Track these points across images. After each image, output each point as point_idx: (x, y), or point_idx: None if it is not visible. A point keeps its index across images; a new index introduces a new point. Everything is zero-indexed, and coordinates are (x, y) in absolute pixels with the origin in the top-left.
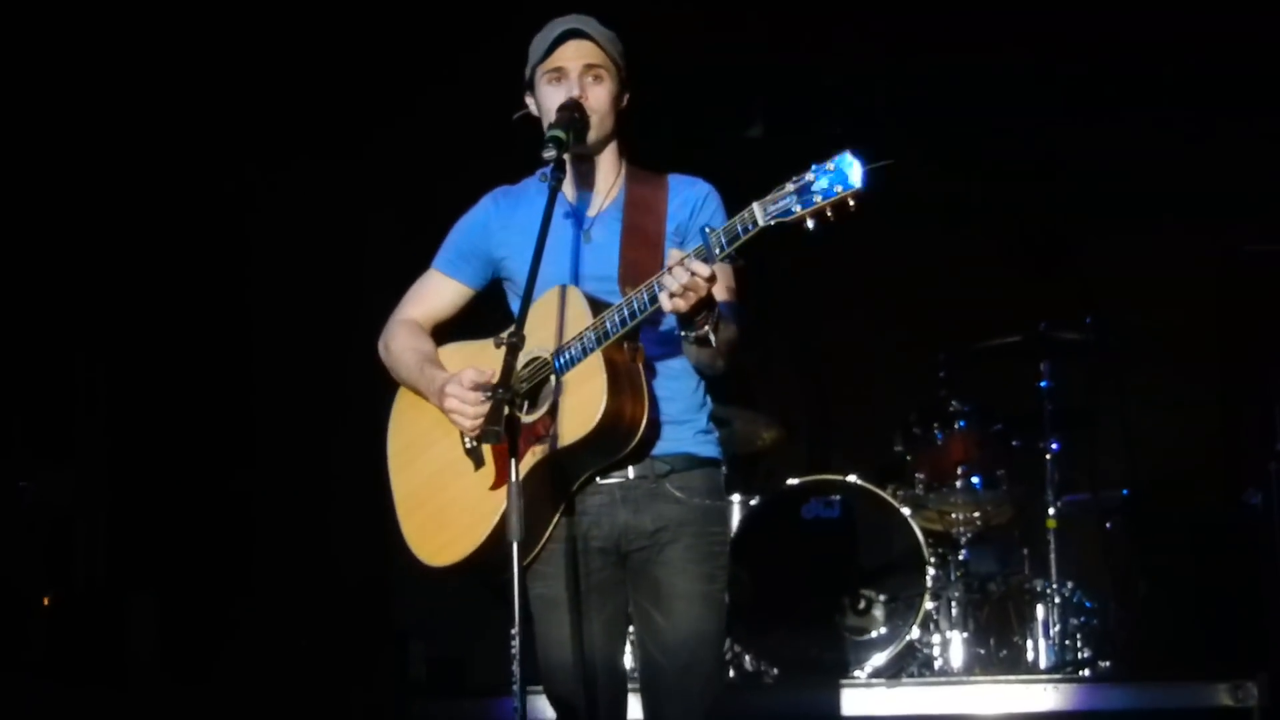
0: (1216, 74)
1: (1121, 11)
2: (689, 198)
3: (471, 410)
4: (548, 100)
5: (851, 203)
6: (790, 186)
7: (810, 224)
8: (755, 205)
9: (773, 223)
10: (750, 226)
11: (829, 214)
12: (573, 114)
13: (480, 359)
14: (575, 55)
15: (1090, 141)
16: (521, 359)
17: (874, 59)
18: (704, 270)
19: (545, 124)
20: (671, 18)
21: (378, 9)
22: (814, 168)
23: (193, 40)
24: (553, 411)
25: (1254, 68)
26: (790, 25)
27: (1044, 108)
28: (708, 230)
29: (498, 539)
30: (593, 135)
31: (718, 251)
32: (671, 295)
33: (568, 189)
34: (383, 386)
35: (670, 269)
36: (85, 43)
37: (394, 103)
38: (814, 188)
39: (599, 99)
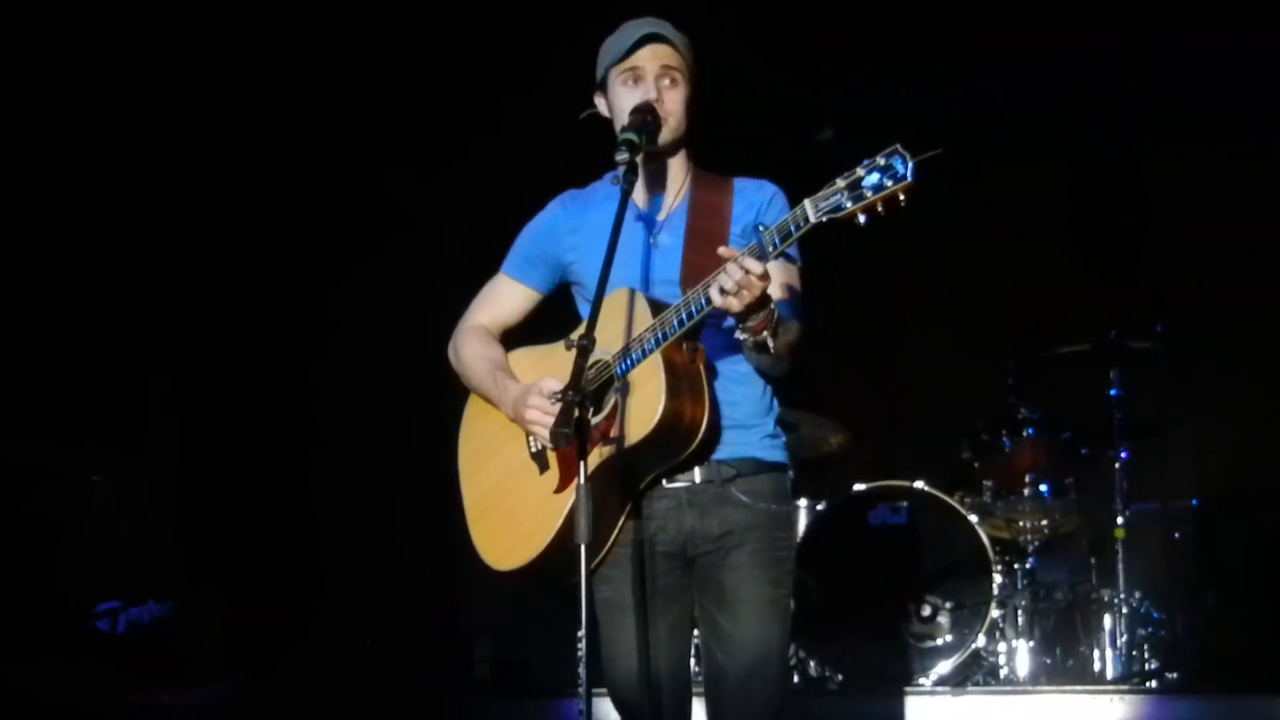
0: None
1: (1198, 29)
2: (754, 200)
3: (554, 420)
4: (622, 101)
5: (902, 197)
6: (841, 183)
7: (862, 219)
8: (806, 202)
9: (825, 219)
10: (802, 223)
11: (880, 209)
12: (645, 117)
13: (549, 362)
14: (653, 57)
15: (1165, 152)
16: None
17: (946, 65)
18: (757, 268)
19: (617, 125)
20: (744, 22)
21: (448, 22)
22: (864, 163)
23: (262, 59)
24: (612, 413)
25: None
26: (862, 31)
27: (1119, 118)
28: (761, 228)
29: (562, 542)
30: (665, 139)
31: (771, 249)
32: (724, 293)
33: (637, 193)
34: (451, 389)
35: (724, 267)
36: (163, 70)
37: (470, 112)
38: (865, 183)
39: (674, 102)
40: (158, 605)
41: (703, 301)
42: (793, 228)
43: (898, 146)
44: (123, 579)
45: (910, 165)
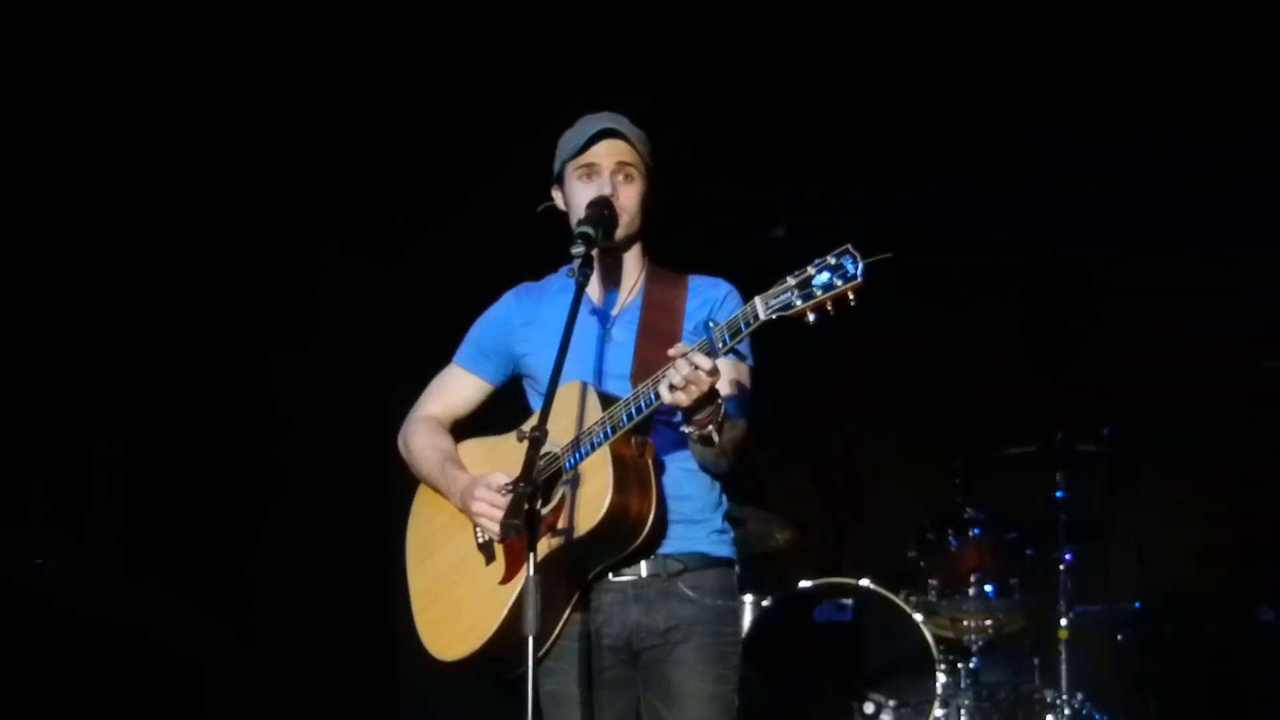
0: (1239, 191)
1: (1146, 130)
2: (709, 298)
3: (501, 514)
4: (578, 196)
5: (852, 297)
6: (791, 281)
7: (811, 317)
8: (757, 299)
9: (774, 316)
10: (752, 320)
11: (829, 307)
12: (602, 211)
13: (499, 454)
14: (609, 153)
15: (1112, 255)
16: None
17: (899, 166)
18: (706, 364)
19: (573, 219)
20: (697, 119)
21: (408, 110)
22: (815, 262)
23: (214, 132)
24: (559, 505)
25: (1277, 186)
26: (816, 130)
27: (1069, 222)
28: (711, 324)
29: (507, 633)
30: (620, 233)
31: (721, 345)
32: (673, 388)
33: (591, 287)
34: (396, 480)
35: (674, 362)
36: (117, 134)
37: (424, 200)
38: (815, 282)
39: (629, 198)
40: None
41: (652, 396)
42: (743, 324)
43: (849, 247)
44: None
45: (861, 265)
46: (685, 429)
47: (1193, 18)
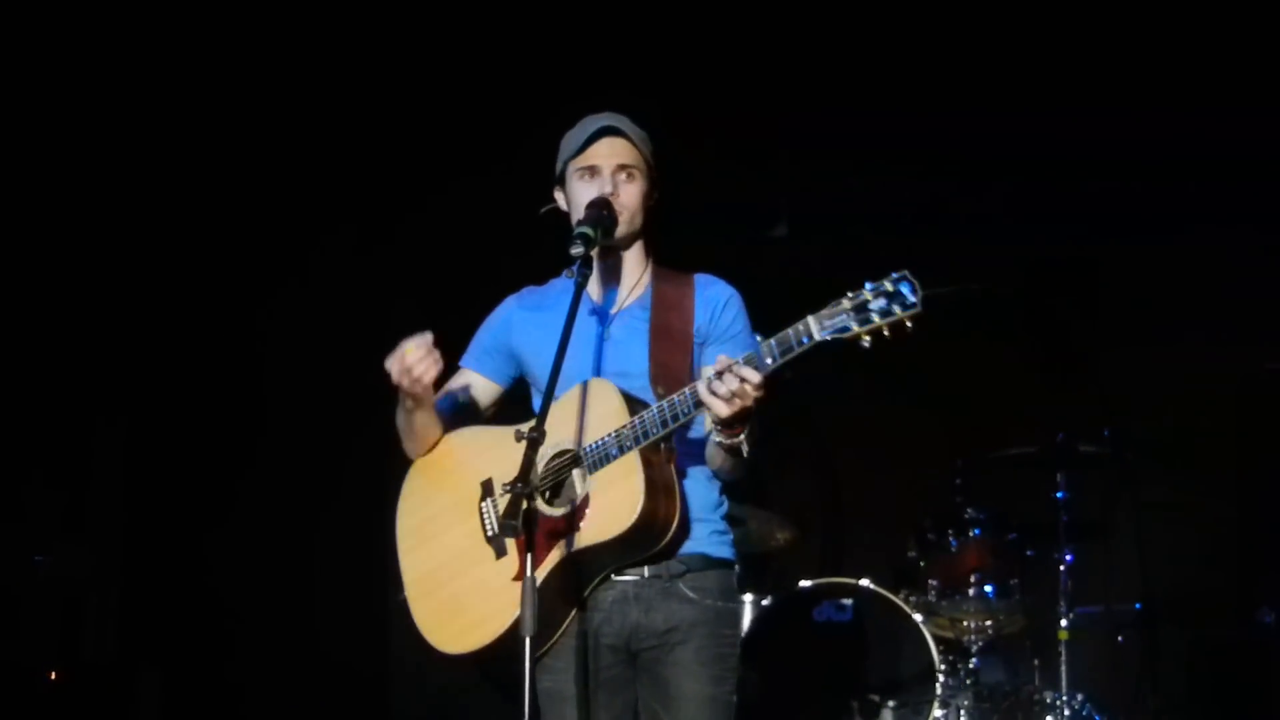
0: (1242, 190)
1: (1149, 128)
2: (709, 298)
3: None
4: (579, 196)
5: (909, 324)
6: (846, 303)
7: (866, 342)
8: (810, 319)
9: (829, 338)
10: (805, 340)
11: (886, 333)
12: (601, 211)
13: (497, 448)
14: (609, 153)
15: (1114, 255)
16: (546, 453)
17: (900, 165)
18: (754, 378)
19: (574, 219)
20: (699, 117)
21: (411, 99)
22: (869, 286)
23: (218, 119)
24: (581, 507)
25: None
26: (818, 128)
27: (1070, 221)
28: (759, 339)
29: (516, 631)
30: (621, 232)
31: (769, 362)
32: (716, 396)
33: (592, 286)
34: (389, 476)
35: (719, 373)
36: (118, 122)
37: (425, 191)
38: (871, 306)
39: (630, 197)
40: None
41: (690, 404)
42: (794, 344)
43: (906, 274)
44: None
45: (920, 295)
46: (716, 438)
47: (1196, 14)
